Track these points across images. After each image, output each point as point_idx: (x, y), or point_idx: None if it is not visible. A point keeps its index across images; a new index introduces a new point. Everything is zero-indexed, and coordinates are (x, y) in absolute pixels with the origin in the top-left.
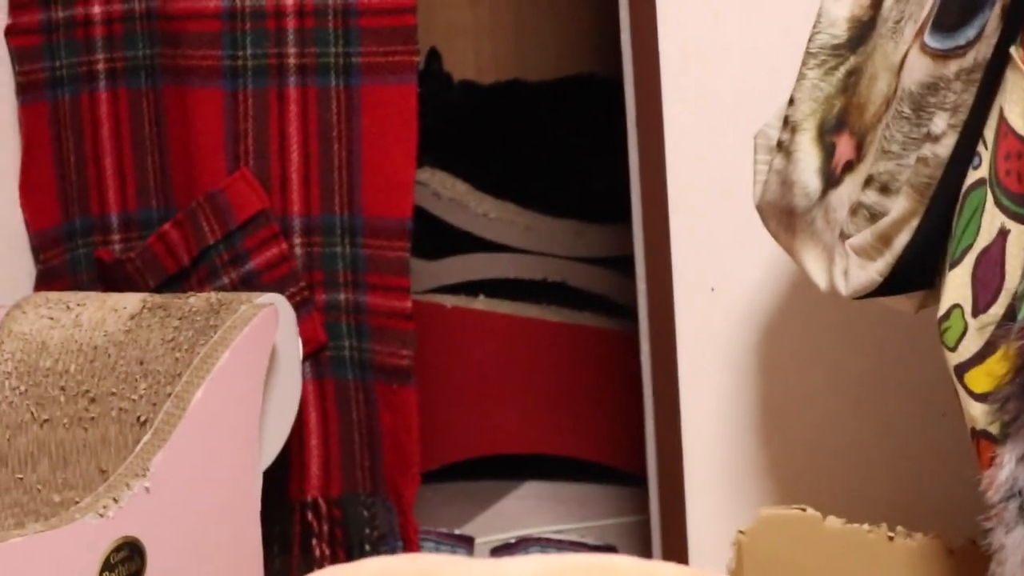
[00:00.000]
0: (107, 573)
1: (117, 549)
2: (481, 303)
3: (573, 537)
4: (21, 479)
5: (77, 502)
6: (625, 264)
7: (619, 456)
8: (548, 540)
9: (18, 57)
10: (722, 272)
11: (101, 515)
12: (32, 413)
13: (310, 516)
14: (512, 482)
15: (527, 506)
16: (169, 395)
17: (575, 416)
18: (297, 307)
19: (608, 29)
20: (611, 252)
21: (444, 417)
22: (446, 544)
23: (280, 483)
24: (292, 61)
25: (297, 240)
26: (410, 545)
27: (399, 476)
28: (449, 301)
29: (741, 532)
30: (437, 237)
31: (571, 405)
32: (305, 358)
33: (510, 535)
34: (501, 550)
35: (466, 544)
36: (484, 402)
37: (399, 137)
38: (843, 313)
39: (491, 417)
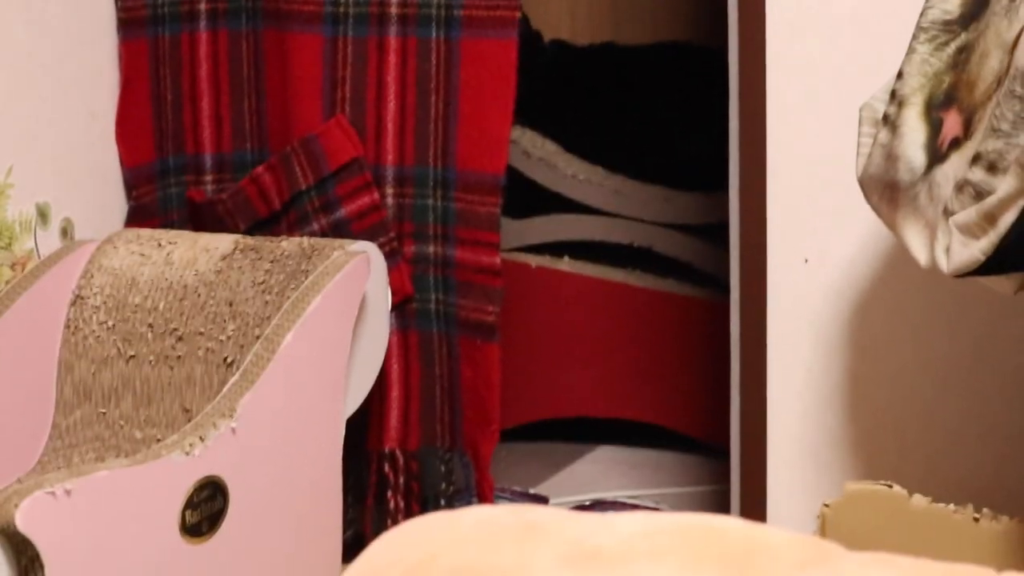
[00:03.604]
0: (189, 511)
1: (200, 488)
2: (566, 264)
3: (647, 503)
4: (104, 414)
5: (159, 440)
6: (712, 232)
7: (696, 425)
8: (623, 504)
9: None
10: (817, 245)
11: (187, 453)
12: (119, 348)
13: (387, 467)
14: (587, 445)
15: (601, 470)
16: (258, 337)
17: (653, 382)
18: (386, 257)
19: None
20: (699, 220)
21: (522, 376)
22: (520, 503)
23: (358, 432)
24: (394, 11)
25: (389, 190)
26: (485, 502)
27: (478, 432)
28: (534, 261)
29: (826, 505)
30: (525, 196)
31: (650, 371)
32: (391, 309)
33: (584, 497)
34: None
35: (540, 504)
36: (562, 363)
37: (497, 92)
38: (936, 292)
39: (569, 379)
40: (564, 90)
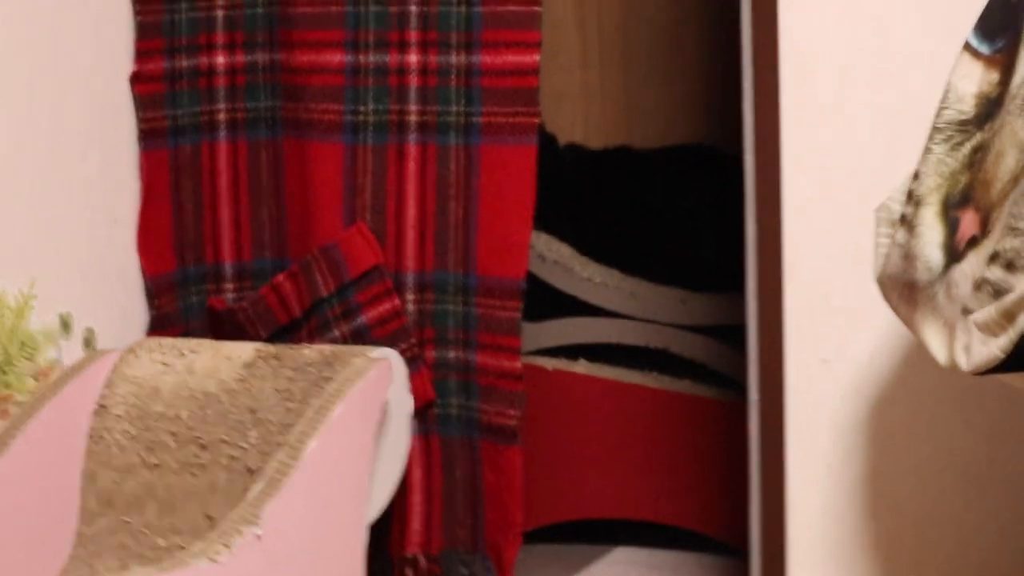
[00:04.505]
0: None
1: None
2: (582, 367)
3: None
4: (128, 522)
5: (183, 548)
6: (728, 333)
7: (714, 525)
8: None
9: (141, 104)
10: (834, 344)
11: (212, 560)
12: (142, 457)
13: (409, 572)
14: (605, 546)
15: (619, 571)
16: (280, 445)
17: (671, 483)
18: (407, 363)
19: (719, 98)
20: (715, 321)
21: (539, 479)
22: None
23: (381, 537)
24: (413, 118)
25: (410, 296)
26: None
27: (500, 535)
28: (550, 364)
29: None
30: (540, 299)
31: (668, 472)
32: (412, 415)
33: None
34: None
35: None
36: (580, 466)
37: (516, 198)
38: (954, 390)
39: (586, 481)
40: (579, 193)
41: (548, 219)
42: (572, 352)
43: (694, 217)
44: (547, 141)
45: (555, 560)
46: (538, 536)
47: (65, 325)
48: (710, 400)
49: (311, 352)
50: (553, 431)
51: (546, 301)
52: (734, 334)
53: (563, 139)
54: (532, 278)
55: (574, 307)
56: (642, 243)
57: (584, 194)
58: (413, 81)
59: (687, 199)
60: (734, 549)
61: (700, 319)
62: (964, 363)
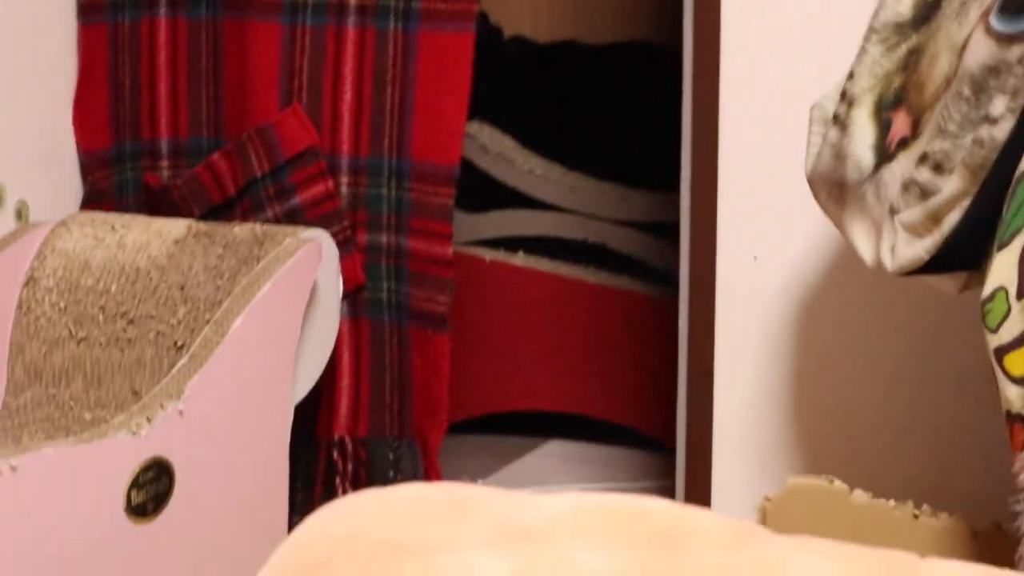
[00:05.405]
0: (135, 490)
1: (147, 468)
2: (520, 259)
3: None
4: (54, 395)
5: (108, 421)
6: (666, 230)
7: (646, 420)
8: None
9: None
10: (766, 243)
11: (133, 433)
12: (70, 330)
13: (335, 454)
14: (537, 439)
15: (550, 464)
16: (208, 321)
17: (605, 378)
18: (339, 246)
19: None
20: (653, 217)
21: (474, 369)
22: None
23: (308, 419)
24: (352, 1)
25: (344, 179)
26: None
27: (426, 421)
28: (488, 255)
29: (767, 499)
30: (481, 191)
31: (602, 367)
32: (343, 297)
33: (534, 491)
34: None
35: None
36: (515, 357)
37: (453, 85)
38: (884, 292)
39: (521, 373)
40: (523, 86)
41: (491, 111)
42: (511, 244)
43: (637, 114)
44: (493, 33)
45: (488, 450)
46: (471, 426)
47: None
48: (646, 296)
49: (242, 230)
50: (490, 322)
51: (487, 192)
52: (673, 231)
53: (509, 31)
54: (474, 169)
55: (515, 199)
56: (584, 138)
57: (528, 87)
58: None
59: (631, 96)
60: (666, 445)
61: (639, 215)
62: (889, 263)
